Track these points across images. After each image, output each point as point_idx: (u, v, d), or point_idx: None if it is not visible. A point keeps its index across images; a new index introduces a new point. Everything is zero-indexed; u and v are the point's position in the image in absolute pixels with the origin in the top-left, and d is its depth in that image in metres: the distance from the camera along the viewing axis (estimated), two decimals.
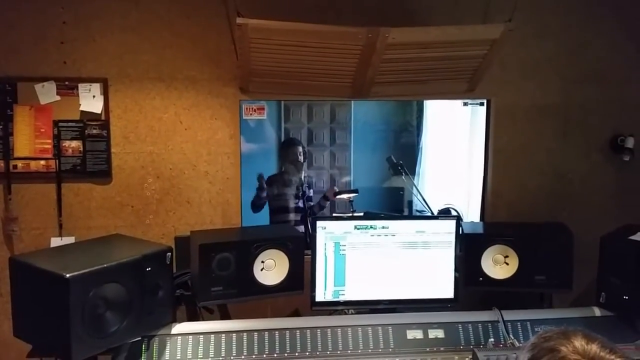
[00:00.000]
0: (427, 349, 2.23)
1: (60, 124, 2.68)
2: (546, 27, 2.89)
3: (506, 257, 2.48)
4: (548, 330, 1.24)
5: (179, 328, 2.21)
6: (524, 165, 3.00)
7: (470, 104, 3.20)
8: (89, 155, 2.71)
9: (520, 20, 2.60)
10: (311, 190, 4.13)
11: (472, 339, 2.28)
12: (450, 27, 2.55)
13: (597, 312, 2.42)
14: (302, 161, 4.05)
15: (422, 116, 4.79)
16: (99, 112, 2.69)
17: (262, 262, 2.33)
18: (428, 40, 2.52)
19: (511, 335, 2.29)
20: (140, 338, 2.14)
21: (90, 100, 2.69)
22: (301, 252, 2.40)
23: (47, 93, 2.66)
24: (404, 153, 4.64)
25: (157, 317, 2.17)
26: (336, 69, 2.64)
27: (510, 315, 2.36)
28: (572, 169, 3.03)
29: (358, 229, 2.43)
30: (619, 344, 1.48)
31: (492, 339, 2.27)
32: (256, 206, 3.87)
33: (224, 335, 2.20)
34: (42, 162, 2.68)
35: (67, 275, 1.86)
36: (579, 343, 1.16)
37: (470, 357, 2.15)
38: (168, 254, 2.21)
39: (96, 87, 2.68)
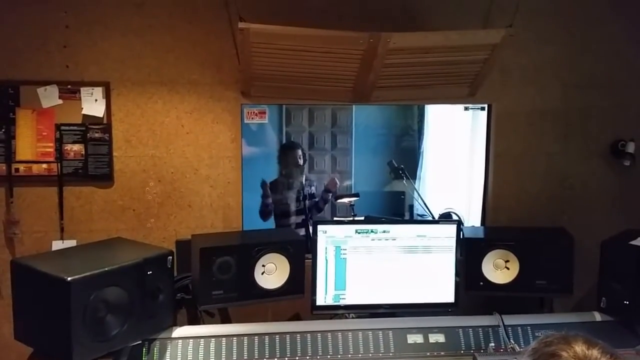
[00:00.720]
0: (428, 354, 2.23)
1: (62, 128, 2.68)
2: (547, 32, 2.89)
3: (507, 261, 2.49)
4: (549, 335, 1.24)
5: (179, 332, 2.21)
6: (525, 169, 3.00)
7: (471, 108, 3.20)
8: (90, 158, 2.72)
9: (521, 25, 2.61)
10: (313, 188, 4.15)
11: (472, 344, 2.28)
12: (451, 32, 2.56)
13: (598, 317, 2.42)
14: (302, 164, 4.06)
15: (424, 120, 4.79)
16: (101, 115, 2.70)
17: (263, 265, 2.34)
18: (429, 45, 2.53)
19: (512, 340, 2.28)
20: (141, 342, 2.14)
21: (93, 104, 2.69)
22: (302, 256, 2.41)
23: (49, 96, 2.66)
24: (405, 157, 4.66)
25: (157, 321, 2.18)
26: (337, 73, 2.65)
27: (511, 320, 2.36)
28: (572, 173, 3.03)
29: (359, 233, 2.44)
30: (619, 349, 1.52)
31: (493, 344, 2.27)
32: (265, 214, 3.90)
33: (224, 339, 2.20)
34: (44, 165, 2.68)
35: (69, 279, 1.87)
36: (579, 348, 1.15)
37: None
38: (169, 257, 2.22)
39: (98, 91, 2.68)
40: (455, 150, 3.89)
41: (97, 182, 2.73)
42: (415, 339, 2.26)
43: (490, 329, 2.33)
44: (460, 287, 2.48)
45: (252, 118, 2.90)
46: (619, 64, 2.96)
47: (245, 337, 2.20)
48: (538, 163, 3.01)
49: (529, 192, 3.01)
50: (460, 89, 2.86)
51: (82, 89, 2.67)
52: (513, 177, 2.99)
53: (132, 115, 2.73)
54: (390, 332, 2.27)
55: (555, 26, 2.90)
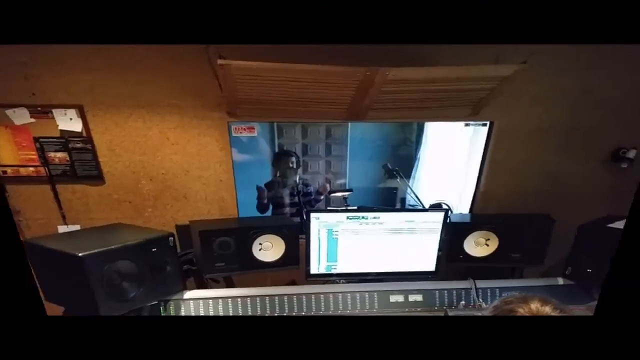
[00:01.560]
0: (407, 309, 3.27)
1: (42, 140, 3.29)
2: (559, 63, 3.38)
3: (487, 239, 3.44)
4: (510, 295, 1.75)
5: (190, 294, 3.17)
6: (519, 168, 3.81)
7: (472, 124, 3.88)
8: (77, 163, 3.38)
9: (535, 60, 3.07)
10: (310, 188, 4.97)
11: (446, 302, 3.30)
12: (457, 67, 2.91)
13: (561, 281, 3.43)
14: (295, 168, 4.93)
15: (422, 133, 5.73)
16: (79, 130, 3.30)
17: (260, 244, 3.24)
18: (432, 77, 2.97)
19: (480, 299, 3.26)
20: (157, 302, 3.05)
21: (68, 122, 3.26)
22: (296, 237, 3.30)
23: (19, 117, 3.20)
24: (401, 165, 5.36)
25: (168, 286, 3.05)
26: (330, 98, 3.16)
27: (482, 283, 3.35)
28: (569, 174, 3.86)
29: (350, 219, 3.33)
30: (572, 305, 2.48)
31: (463, 302, 3.29)
32: (260, 210, 4.84)
33: (230, 300, 3.17)
34: (31, 168, 3.34)
35: (80, 254, 2.57)
36: (534, 305, 1.67)
37: (443, 314, 3.23)
38: (170, 238, 3.00)
39: (72, 112, 3.25)
40: (452, 159, 4.68)
41: (87, 182, 3.45)
42: (396, 298, 3.30)
43: (463, 290, 3.34)
44: (442, 259, 3.40)
45: (241, 132, 3.51)
46: (623, 82, 3.50)
47: (248, 298, 3.17)
48: (534, 164, 3.81)
49: (523, 189, 3.85)
50: (462, 110, 3.48)
51: (54, 110, 3.22)
52: (507, 176, 3.82)
53: (112, 130, 3.35)
54: (375, 293, 3.30)
55: (568, 57, 3.37)
